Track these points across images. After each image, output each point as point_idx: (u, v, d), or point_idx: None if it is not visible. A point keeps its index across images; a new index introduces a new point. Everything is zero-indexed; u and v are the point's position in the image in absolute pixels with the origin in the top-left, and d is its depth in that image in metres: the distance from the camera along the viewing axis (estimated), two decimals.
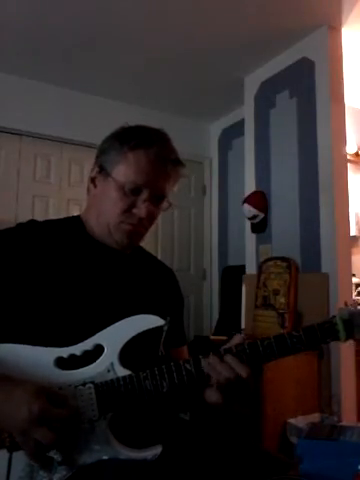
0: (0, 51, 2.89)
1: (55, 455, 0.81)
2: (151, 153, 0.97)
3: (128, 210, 0.98)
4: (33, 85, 3.26)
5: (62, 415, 0.77)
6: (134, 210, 0.98)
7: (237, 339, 0.88)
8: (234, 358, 0.84)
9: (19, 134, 3.26)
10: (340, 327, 0.83)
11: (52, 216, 3.31)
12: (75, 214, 1.10)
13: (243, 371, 0.83)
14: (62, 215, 1.15)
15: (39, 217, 1.08)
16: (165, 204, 1.03)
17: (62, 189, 3.43)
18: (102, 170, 1.01)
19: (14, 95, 3.17)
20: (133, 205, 0.98)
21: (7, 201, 3.18)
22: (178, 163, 1.02)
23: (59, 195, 3.41)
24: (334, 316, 0.85)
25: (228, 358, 0.84)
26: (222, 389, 0.85)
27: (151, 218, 1.01)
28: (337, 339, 0.84)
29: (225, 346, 0.87)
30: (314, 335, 0.84)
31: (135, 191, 0.97)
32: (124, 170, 0.97)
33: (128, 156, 0.97)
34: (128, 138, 0.98)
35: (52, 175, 3.41)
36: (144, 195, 0.97)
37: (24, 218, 1.08)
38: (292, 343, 0.84)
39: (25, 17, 2.54)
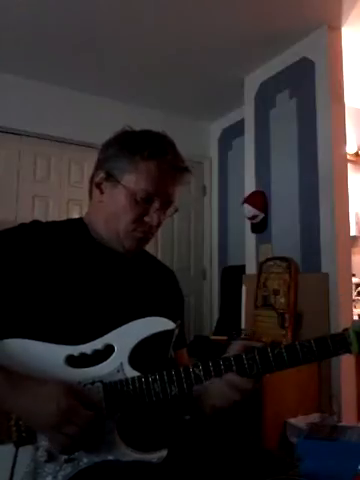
0: (0, 51, 2.89)
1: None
2: (163, 163, 0.98)
3: (140, 218, 0.99)
4: (33, 85, 3.25)
5: (89, 416, 0.78)
6: (146, 218, 1.00)
7: (237, 346, 0.88)
8: (235, 376, 0.84)
9: (19, 134, 3.26)
10: (353, 340, 0.83)
11: (52, 216, 3.31)
12: (75, 214, 1.11)
13: (248, 385, 0.84)
14: (62, 215, 1.16)
15: (39, 217, 1.08)
16: (171, 209, 1.05)
17: (62, 189, 3.42)
18: (109, 176, 1.01)
19: (14, 95, 3.17)
20: (144, 213, 0.99)
21: (7, 201, 3.17)
22: (186, 170, 1.04)
23: (59, 195, 3.40)
24: (346, 328, 0.85)
25: (230, 377, 0.84)
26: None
27: (159, 225, 1.03)
28: (349, 352, 0.84)
29: (228, 354, 0.87)
30: (326, 347, 0.84)
31: (147, 200, 0.99)
32: (136, 179, 0.98)
33: (140, 165, 0.98)
34: (139, 147, 0.98)
35: (52, 175, 3.41)
36: (156, 204, 0.99)
37: (24, 218, 1.08)
38: (303, 354, 0.84)
39: (25, 17, 2.54)
